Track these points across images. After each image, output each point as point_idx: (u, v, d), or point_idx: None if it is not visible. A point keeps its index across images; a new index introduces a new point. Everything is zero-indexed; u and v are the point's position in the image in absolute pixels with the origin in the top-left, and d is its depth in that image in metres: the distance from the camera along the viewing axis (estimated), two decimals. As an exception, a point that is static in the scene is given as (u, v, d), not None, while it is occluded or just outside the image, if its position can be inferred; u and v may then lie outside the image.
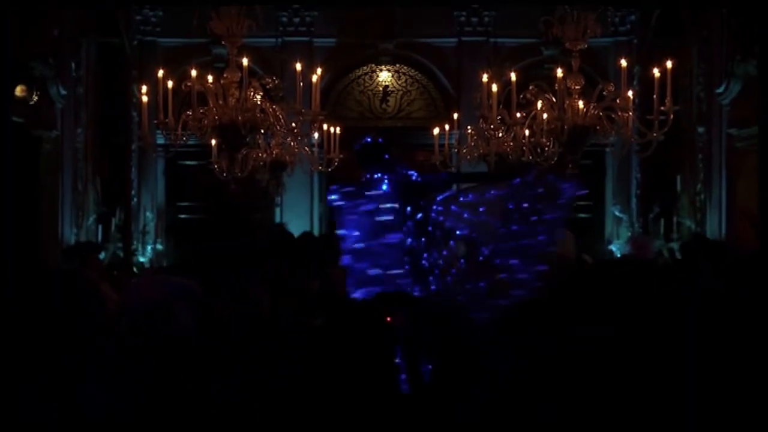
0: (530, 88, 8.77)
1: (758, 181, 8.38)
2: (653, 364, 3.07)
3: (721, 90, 12.41)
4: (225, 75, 8.35)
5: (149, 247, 13.73)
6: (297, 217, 13.12)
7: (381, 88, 14.56)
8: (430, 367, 3.33)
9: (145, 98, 8.82)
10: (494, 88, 8.84)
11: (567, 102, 8.33)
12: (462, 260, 5.19)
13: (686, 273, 5.23)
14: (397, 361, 3.27)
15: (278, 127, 8.80)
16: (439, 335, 3.36)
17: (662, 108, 7.84)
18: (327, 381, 3.10)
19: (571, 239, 8.19)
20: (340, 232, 5.64)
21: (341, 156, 10.42)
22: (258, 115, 8.35)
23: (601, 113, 8.39)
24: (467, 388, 3.28)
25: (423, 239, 5.36)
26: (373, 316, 3.25)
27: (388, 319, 3.29)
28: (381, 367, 3.14)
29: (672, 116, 7.90)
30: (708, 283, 4.36)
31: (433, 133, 11.16)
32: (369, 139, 5.89)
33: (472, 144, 10.69)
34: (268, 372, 4.64)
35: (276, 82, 8.65)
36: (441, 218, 5.38)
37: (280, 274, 8.65)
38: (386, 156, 5.78)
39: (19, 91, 11.13)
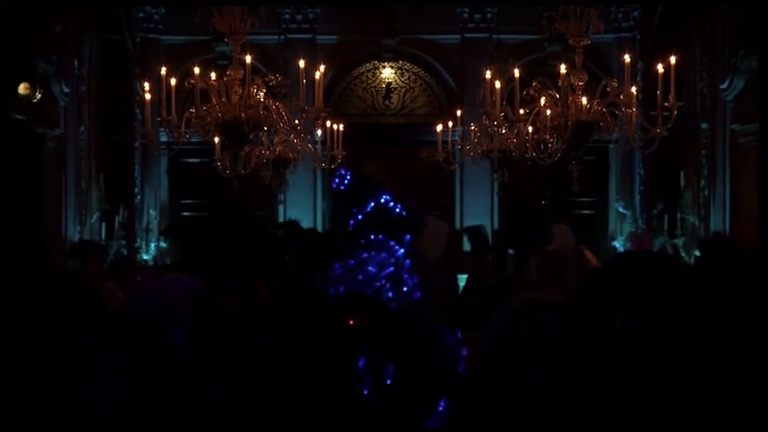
0: (533, 84, 8.74)
1: (758, 179, 8.37)
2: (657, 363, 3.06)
3: (724, 86, 12.39)
4: (228, 72, 8.34)
5: (153, 245, 13.73)
6: (300, 214, 13.11)
7: (384, 85, 14.55)
8: (391, 369, 3.30)
9: (148, 96, 8.81)
10: (497, 84, 8.82)
11: (570, 98, 8.31)
12: None
13: (699, 272, 5.20)
14: (359, 363, 3.26)
15: (281, 125, 8.79)
16: (400, 337, 3.34)
17: (666, 104, 7.82)
18: (291, 381, 3.09)
19: (567, 233, 8.18)
20: None
21: (344, 153, 10.41)
22: (261, 112, 8.34)
23: (604, 109, 8.37)
24: (429, 390, 3.27)
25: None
26: (336, 319, 3.24)
27: (351, 321, 3.27)
28: (343, 370, 3.13)
29: (675, 112, 7.88)
30: (716, 282, 4.34)
31: (436, 129, 11.14)
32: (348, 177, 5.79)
33: (476, 141, 10.67)
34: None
35: (279, 79, 8.63)
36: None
37: (289, 270, 8.66)
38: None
39: (22, 89, 11.13)
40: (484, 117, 9.91)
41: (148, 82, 9.16)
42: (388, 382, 3.26)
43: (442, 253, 7.73)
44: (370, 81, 14.57)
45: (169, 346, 4.84)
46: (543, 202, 12.90)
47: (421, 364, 3.28)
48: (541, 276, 5.83)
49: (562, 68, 8.22)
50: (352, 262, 5.34)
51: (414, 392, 3.24)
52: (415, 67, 14.52)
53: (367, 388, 3.28)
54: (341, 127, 10.50)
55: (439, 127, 11.07)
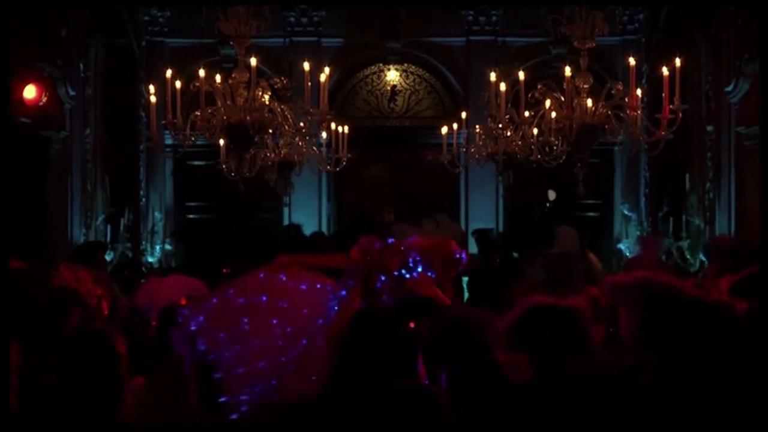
0: (538, 87, 8.73)
1: (760, 181, 8.36)
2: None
3: (729, 88, 12.37)
4: (233, 75, 8.34)
5: (158, 247, 13.75)
6: (305, 216, 13.12)
7: (389, 88, 14.56)
8: (445, 372, 3.33)
9: (153, 98, 8.82)
10: (502, 87, 8.81)
11: (575, 101, 8.30)
12: None
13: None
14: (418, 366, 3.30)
15: (286, 127, 8.79)
16: (455, 341, 3.37)
17: (671, 106, 7.81)
18: (348, 385, 3.12)
19: (572, 236, 8.16)
20: None
21: (349, 156, 10.42)
22: (266, 115, 8.33)
23: (609, 112, 8.35)
24: (482, 394, 3.29)
25: None
26: (397, 322, 3.27)
27: (411, 324, 3.31)
28: (402, 373, 3.17)
29: (680, 115, 7.87)
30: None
31: (441, 132, 11.14)
32: None
33: (480, 143, 10.67)
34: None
35: (284, 82, 8.63)
36: None
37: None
38: None
39: (28, 92, 11.15)
40: (489, 119, 9.91)
41: (153, 85, 9.17)
42: (444, 384, 3.29)
43: None
44: (375, 84, 14.58)
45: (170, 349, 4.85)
46: (547, 204, 12.91)
47: (474, 369, 3.30)
48: (547, 278, 5.83)
49: (567, 71, 8.21)
50: None
51: (466, 395, 3.26)
52: (420, 70, 14.53)
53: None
54: (346, 129, 10.51)
55: (444, 130, 11.07)
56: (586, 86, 8.40)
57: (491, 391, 3.22)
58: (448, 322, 3.48)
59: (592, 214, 14.14)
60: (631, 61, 8.25)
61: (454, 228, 8.02)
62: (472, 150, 10.91)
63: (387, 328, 3.23)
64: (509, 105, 8.91)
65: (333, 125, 10.15)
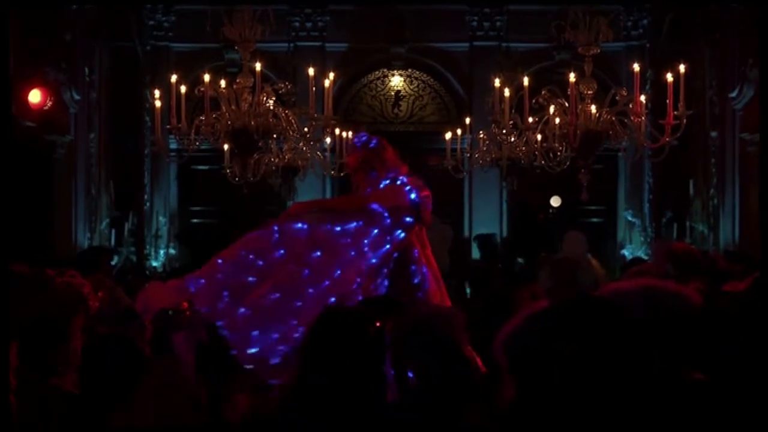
0: (542, 92, 8.73)
1: (759, 185, 8.36)
2: None
3: (734, 94, 12.38)
4: (238, 80, 8.34)
5: (162, 252, 13.76)
6: (309, 221, 13.11)
7: (393, 93, 14.57)
8: (411, 373, 3.33)
9: (158, 103, 8.83)
10: (506, 92, 8.83)
11: (579, 107, 8.30)
12: None
13: None
14: (386, 366, 3.29)
15: (290, 132, 8.80)
16: (421, 340, 3.37)
17: (675, 112, 7.80)
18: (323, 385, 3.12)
19: (580, 241, 8.14)
20: None
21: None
22: (270, 119, 8.34)
23: (613, 118, 8.35)
24: (451, 394, 3.29)
25: None
26: (363, 321, 3.27)
27: (378, 324, 3.30)
28: (370, 374, 3.17)
29: (685, 121, 7.87)
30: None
31: (445, 137, 11.15)
32: None
33: (484, 149, 10.68)
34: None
35: (288, 86, 8.65)
36: None
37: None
38: None
39: (33, 96, 11.17)
40: (493, 125, 9.93)
41: (158, 89, 9.18)
42: (410, 386, 3.28)
43: (448, 260, 7.72)
44: (379, 89, 14.60)
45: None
46: (550, 210, 12.91)
47: (441, 370, 3.30)
48: (554, 284, 5.81)
49: (572, 77, 8.21)
50: None
51: (435, 399, 3.26)
52: (425, 75, 14.54)
53: (392, 393, 3.31)
54: (350, 134, 10.51)
55: (448, 135, 11.07)
56: (590, 92, 8.40)
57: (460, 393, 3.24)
58: (414, 320, 3.48)
59: (595, 219, 14.14)
60: (636, 67, 8.25)
61: (442, 227, 8.01)
62: (476, 155, 10.91)
63: (353, 327, 3.23)
64: (513, 110, 8.92)
65: (337, 130, 10.16)
